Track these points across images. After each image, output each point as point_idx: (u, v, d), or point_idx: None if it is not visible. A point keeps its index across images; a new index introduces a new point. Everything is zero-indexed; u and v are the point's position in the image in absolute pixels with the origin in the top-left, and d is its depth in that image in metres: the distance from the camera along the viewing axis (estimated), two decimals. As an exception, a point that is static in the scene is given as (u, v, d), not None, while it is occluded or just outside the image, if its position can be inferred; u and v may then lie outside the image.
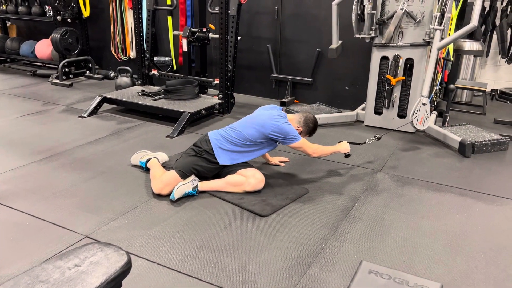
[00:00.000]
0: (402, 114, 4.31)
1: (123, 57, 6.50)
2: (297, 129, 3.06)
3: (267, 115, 3.01)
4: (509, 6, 5.23)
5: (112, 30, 6.43)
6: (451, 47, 4.80)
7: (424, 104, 3.77)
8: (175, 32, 5.42)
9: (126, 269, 1.36)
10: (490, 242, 2.47)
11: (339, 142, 3.34)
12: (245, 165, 3.09)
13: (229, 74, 4.76)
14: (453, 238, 2.50)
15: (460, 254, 2.35)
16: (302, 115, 3.16)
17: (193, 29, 4.92)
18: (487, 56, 5.65)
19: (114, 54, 6.55)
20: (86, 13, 6.41)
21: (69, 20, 6.29)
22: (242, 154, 3.02)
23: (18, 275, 1.28)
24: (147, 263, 2.22)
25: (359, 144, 3.54)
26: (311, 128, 3.17)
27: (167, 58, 5.92)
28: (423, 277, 2.12)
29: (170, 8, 5.30)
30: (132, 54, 6.38)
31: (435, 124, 4.26)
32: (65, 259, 1.36)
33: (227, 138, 2.99)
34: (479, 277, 2.17)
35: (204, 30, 4.99)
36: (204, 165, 2.98)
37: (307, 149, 3.05)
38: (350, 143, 3.35)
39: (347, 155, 3.34)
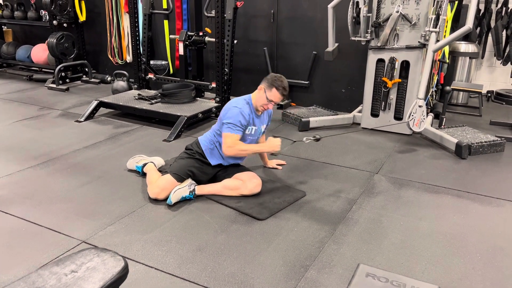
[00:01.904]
0: (398, 116, 4.32)
1: (119, 61, 6.50)
2: (259, 90, 2.91)
3: (228, 103, 2.98)
4: (504, 8, 5.27)
5: (108, 34, 6.43)
6: (446, 49, 4.82)
7: (420, 106, 3.78)
8: (172, 36, 5.43)
9: (123, 275, 1.35)
10: (487, 244, 2.47)
11: (274, 137, 3.02)
12: (242, 168, 3.10)
13: (225, 78, 4.76)
14: (450, 240, 2.50)
15: (457, 255, 2.35)
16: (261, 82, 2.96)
17: (189, 33, 4.93)
18: (482, 57, 5.68)
19: (111, 58, 6.55)
20: (82, 18, 6.41)
21: (65, 25, 6.29)
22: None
23: (14, 281, 1.27)
24: (144, 268, 2.22)
25: (293, 141, 3.37)
26: (269, 79, 2.89)
27: (163, 62, 5.92)
28: (420, 279, 2.12)
29: (167, 12, 5.30)
30: (129, 58, 6.38)
31: (431, 126, 4.27)
32: (61, 265, 1.36)
33: (211, 138, 3.02)
34: (476, 278, 2.17)
35: (201, 33, 4.99)
36: (199, 166, 2.98)
37: (223, 143, 2.85)
38: (284, 138, 3.06)
39: (273, 154, 3.10)
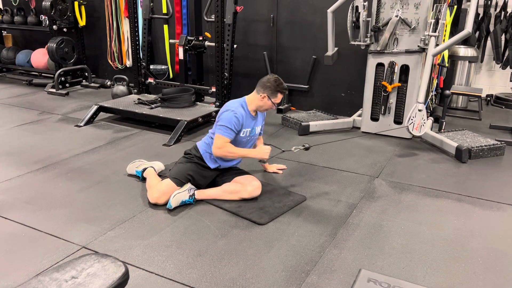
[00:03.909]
0: (398, 120, 4.32)
1: (119, 66, 6.51)
2: (262, 97, 2.91)
3: (223, 107, 2.98)
4: (503, 12, 5.28)
5: (108, 39, 6.44)
6: (446, 53, 4.83)
7: (420, 110, 3.78)
8: (171, 41, 5.43)
9: (123, 280, 1.35)
10: (488, 248, 2.46)
11: (264, 145, 3.08)
12: (242, 172, 3.10)
13: (225, 82, 4.76)
14: (451, 244, 2.49)
15: (458, 260, 2.35)
16: (258, 84, 2.97)
17: (189, 38, 4.94)
18: (481, 61, 5.69)
19: (110, 63, 6.56)
20: (82, 22, 6.42)
21: (65, 29, 6.30)
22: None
23: (15, 287, 1.27)
24: (145, 273, 2.21)
25: (282, 151, 3.19)
26: (272, 86, 2.90)
27: (163, 67, 5.92)
28: (422, 284, 2.12)
29: (166, 16, 5.31)
30: (128, 63, 6.39)
31: (431, 130, 4.28)
32: (61, 271, 1.35)
33: (209, 142, 3.02)
34: (477, 283, 2.16)
35: (200, 38, 5.00)
36: (198, 170, 2.99)
37: (214, 144, 2.87)
38: (274, 147, 3.07)
39: (261, 161, 3.11)
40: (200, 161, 3.01)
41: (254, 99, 2.97)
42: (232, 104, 2.96)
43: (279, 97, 2.95)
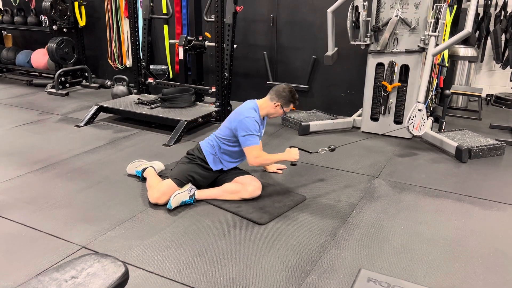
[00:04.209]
0: (398, 120, 4.32)
1: (119, 66, 6.51)
2: (275, 105, 2.96)
3: (236, 111, 2.98)
4: (503, 12, 5.28)
5: (108, 39, 6.44)
6: (446, 53, 4.83)
7: (420, 110, 3.78)
8: (171, 41, 5.44)
9: (123, 280, 1.35)
10: (488, 248, 2.46)
11: (290, 148, 3.11)
12: (242, 172, 3.09)
13: (225, 82, 4.76)
14: (451, 244, 2.49)
15: (458, 260, 2.35)
16: (271, 90, 3.01)
17: (189, 38, 4.94)
18: (481, 61, 5.69)
19: (110, 63, 6.56)
20: (82, 23, 6.42)
21: (65, 30, 6.30)
22: (228, 157, 3.02)
23: (15, 287, 1.27)
24: (145, 273, 2.21)
25: (309, 153, 3.31)
26: (287, 96, 2.97)
27: (163, 67, 5.92)
28: (421, 284, 2.12)
29: (166, 16, 5.31)
30: (128, 63, 6.39)
31: (431, 129, 4.28)
32: (61, 271, 1.35)
33: (213, 143, 3.02)
34: (477, 283, 2.16)
35: (200, 38, 5.00)
36: (200, 172, 2.98)
37: (249, 154, 2.88)
38: (301, 149, 3.14)
39: (293, 164, 3.14)
40: (203, 162, 3.01)
41: (267, 106, 2.99)
42: (247, 109, 2.93)
43: (291, 107, 3.05)
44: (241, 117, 2.88)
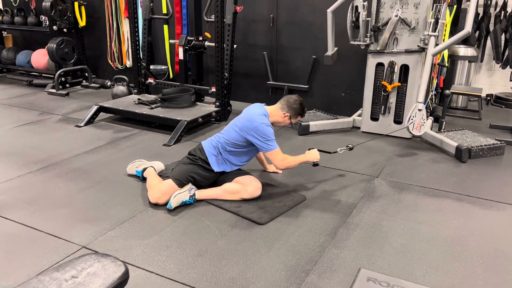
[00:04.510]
0: (398, 120, 4.32)
1: (119, 66, 6.51)
2: (284, 116, 3.00)
3: (247, 116, 2.97)
4: (503, 12, 5.29)
5: (108, 39, 6.44)
6: (445, 53, 4.83)
7: (420, 110, 3.78)
8: (171, 41, 5.44)
9: (123, 280, 1.35)
10: (488, 247, 2.47)
11: (309, 150, 3.19)
12: (242, 172, 3.09)
13: (225, 82, 4.77)
14: (451, 244, 2.50)
15: (458, 259, 2.35)
16: (283, 100, 3.05)
17: (189, 38, 4.94)
18: (481, 61, 5.69)
19: (111, 63, 6.56)
20: (82, 23, 6.42)
21: (65, 30, 6.30)
22: (234, 158, 3.02)
23: (15, 287, 1.27)
24: (145, 273, 2.21)
25: (329, 153, 3.41)
26: (297, 108, 3.03)
27: (163, 67, 5.93)
28: (421, 283, 2.12)
29: (166, 17, 5.32)
30: (129, 63, 6.39)
31: (431, 129, 4.28)
32: (62, 270, 1.35)
33: (217, 145, 3.01)
34: (477, 282, 2.17)
35: (200, 38, 5.00)
36: (201, 173, 2.98)
37: (274, 159, 2.93)
38: (320, 151, 3.21)
39: (315, 164, 3.21)
40: (204, 163, 2.99)
41: (276, 115, 3.02)
42: (259, 116, 2.92)
43: (298, 119, 3.12)
44: (255, 124, 2.88)
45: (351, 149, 3.40)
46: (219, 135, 3.06)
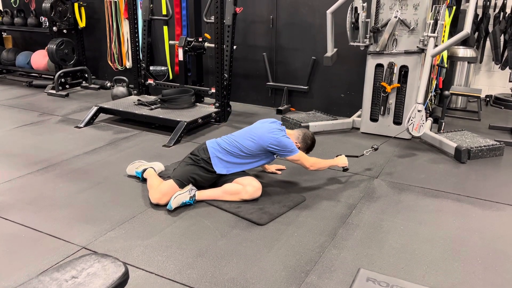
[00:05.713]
0: (397, 121, 4.33)
1: (119, 67, 6.52)
2: (295, 144, 3.09)
3: (265, 128, 3.02)
4: (502, 13, 5.30)
5: (108, 40, 6.45)
6: (445, 54, 4.84)
7: (419, 111, 3.79)
8: (171, 42, 5.45)
9: (123, 280, 1.36)
10: (488, 248, 2.47)
11: (337, 156, 3.36)
12: (242, 173, 3.10)
13: (225, 83, 4.77)
14: (450, 244, 2.50)
15: (457, 260, 2.35)
16: (301, 131, 3.22)
17: (188, 39, 4.95)
18: (480, 62, 5.70)
19: (110, 64, 6.57)
20: (82, 24, 6.43)
21: (65, 31, 6.31)
22: (239, 165, 3.03)
23: (15, 287, 1.27)
24: (145, 273, 2.21)
25: (357, 156, 3.56)
26: (309, 145, 3.21)
27: (163, 68, 5.94)
28: (421, 284, 2.12)
29: (166, 18, 5.33)
30: (128, 64, 6.40)
31: (430, 130, 4.28)
32: (62, 270, 1.36)
33: (225, 148, 3.00)
34: (477, 282, 2.17)
35: (200, 39, 5.01)
36: (202, 174, 2.98)
37: (304, 162, 3.06)
38: (348, 156, 3.37)
39: (345, 169, 3.37)
40: (207, 165, 2.98)
41: (291, 138, 3.10)
42: (277, 130, 3.02)
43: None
44: (276, 136, 2.96)
45: (376, 149, 3.54)
46: (231, 139, 3.05)
